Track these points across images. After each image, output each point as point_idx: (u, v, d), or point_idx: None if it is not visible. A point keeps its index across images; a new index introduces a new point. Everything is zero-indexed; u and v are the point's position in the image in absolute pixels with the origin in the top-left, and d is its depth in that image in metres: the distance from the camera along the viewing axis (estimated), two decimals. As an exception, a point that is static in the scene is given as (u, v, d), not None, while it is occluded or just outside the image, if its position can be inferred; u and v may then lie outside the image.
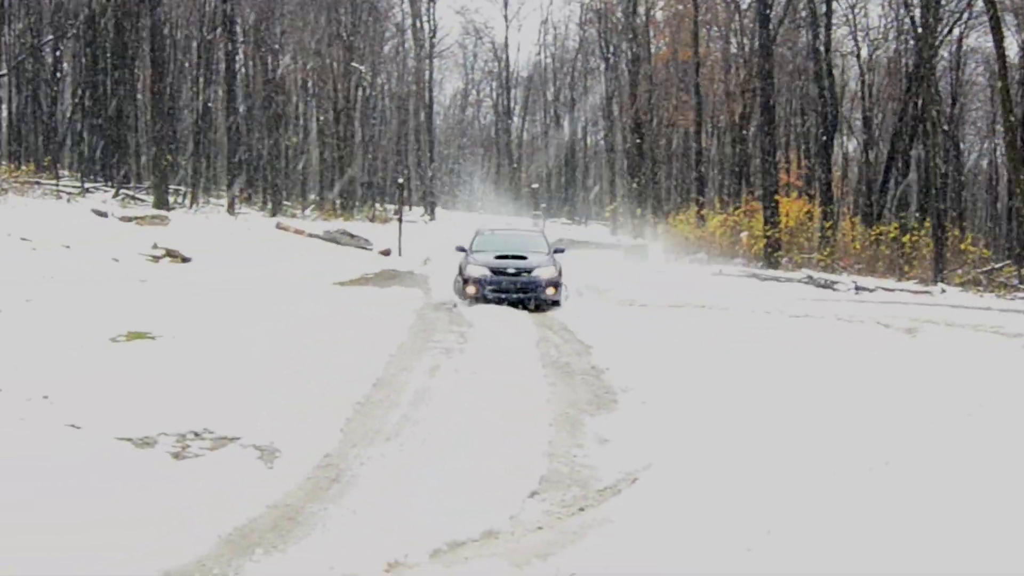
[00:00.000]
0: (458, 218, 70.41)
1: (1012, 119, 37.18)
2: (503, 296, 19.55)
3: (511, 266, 20.23)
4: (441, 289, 22.71)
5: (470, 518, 6.19)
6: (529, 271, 20.25)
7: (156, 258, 24.75)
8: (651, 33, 56.58)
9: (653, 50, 56.61)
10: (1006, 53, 38.74)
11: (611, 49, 62.95)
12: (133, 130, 51.42)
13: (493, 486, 6.94)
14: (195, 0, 52.45)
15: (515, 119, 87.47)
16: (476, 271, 20.00)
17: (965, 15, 45.97)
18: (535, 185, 58.28)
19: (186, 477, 6.96)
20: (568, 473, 7.55)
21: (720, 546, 5.65)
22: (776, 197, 40.88)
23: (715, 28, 51.72)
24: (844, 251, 40.06)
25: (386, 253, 36.31)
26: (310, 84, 61.42)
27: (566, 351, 13.81)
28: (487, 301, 19.35)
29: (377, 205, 61.71)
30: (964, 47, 52.98)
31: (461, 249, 22.14)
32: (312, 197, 60.07)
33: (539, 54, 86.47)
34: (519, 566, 5.39)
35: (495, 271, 19.99)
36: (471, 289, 19.76)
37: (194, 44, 54.08)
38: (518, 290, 19.84)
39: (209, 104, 53.00)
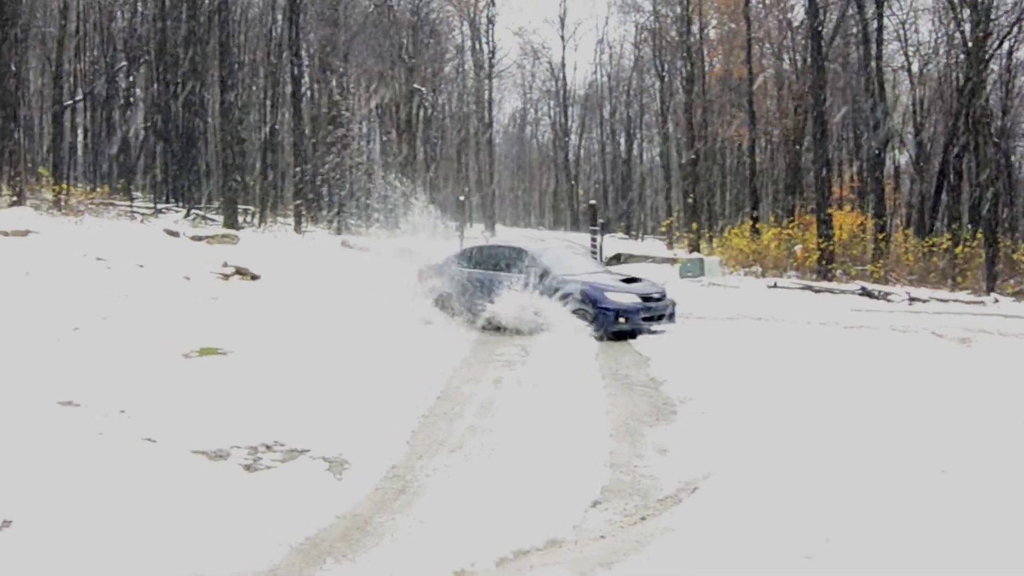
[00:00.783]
0: (518, 233, 70.60)
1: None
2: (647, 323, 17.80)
3: (652, 292, 18.57)
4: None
5: (534, 527, 6.21)
6: (663, 295, 18.80)
7: (226, 276, 24.88)
8: (704, 51, 56.44)
9: (707, 68, 56.49)
10: (1056, 66, 38.36)
11: (665, 67, 62.81)
12: (203, 152, 51.91)
13: (556, 496, 6.95)
14: (262, 25, 52.99)
15: (572, 136, 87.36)
16: (627, 299, 17.78)
17: (1015, 29, 45.56)
18: (592, 201, 58.08)
19: (258, 489, 7.03)
20: (629, 483, 7.55)
21: (780, 554, 5.64)
22: (829, 210, 40.60)
23: (767, 45, 51.50)
24: (897, 263, 39.72)
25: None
26: (374, 105, 61.69)
27: (625, 363, 13.78)
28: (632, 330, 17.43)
29: (439, 222, 61.77)
30: (1014, 60, 52.40)
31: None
32: (376, 216, 60.31)
33: (595, 73, 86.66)
34: (583, 574, 5.40)
35: (644, 298, 18.05)
36: (622, 321, 17.34)
37: (261, 69, 54.57)
38: (659, 317, 18.15)
39: (276, 126, 53.40)
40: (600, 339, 16.32)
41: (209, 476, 7.31)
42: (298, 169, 49.52)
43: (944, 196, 46.65)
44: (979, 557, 5.63)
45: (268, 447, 8.23)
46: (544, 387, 11.33)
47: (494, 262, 19.66)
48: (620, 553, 5.83)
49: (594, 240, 39.77)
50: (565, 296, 17.77)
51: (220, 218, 41.19)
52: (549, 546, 6.01)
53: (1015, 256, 40.16)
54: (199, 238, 31.23)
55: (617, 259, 42.22)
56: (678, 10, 54.48)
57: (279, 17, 51.49)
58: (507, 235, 61.43)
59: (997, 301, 32.13)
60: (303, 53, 52.35)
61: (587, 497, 7.01)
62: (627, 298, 17.72)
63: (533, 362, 13.49)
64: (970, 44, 42.86)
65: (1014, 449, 8.23)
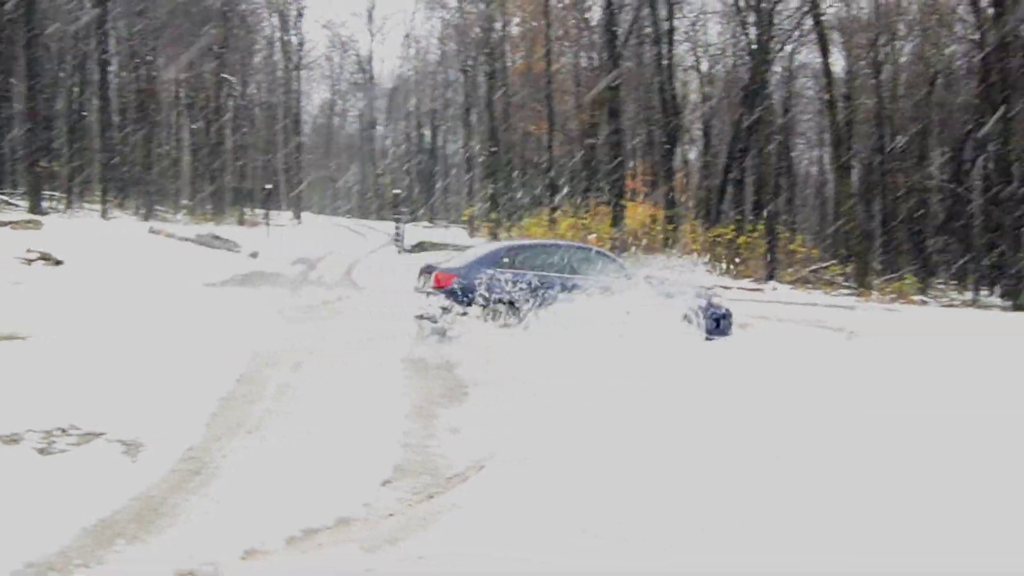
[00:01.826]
0: (323, 221, 70.08)
1: (836, 130, 38.18)
2: None
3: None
4: (309, 290, 22.54)
5: (325, 506, 6.17)
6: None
7: (30, 261, 24.09)
8: (507, 47, 56.83)
9: (509, 63, 56.86)
10: (832, 69, 39.77)
11: (470, 62, 63.03)
12: (6, 137, 50.06)
13: (349, 476, 6.92)
14: (70, 11, 51.35)
15: (379, 127, 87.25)
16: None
17: (796, 33, 47.00)
18: (397, 190, 58.05)
19: (51, 472, 6.82)
20: (420, 462, 7.56)
21: (559, 527, 5.74)
22: (622, 201, 41.41)
23: (567, 43, 52.08)
24: (685, 252, 40.59)
25: (254, 255, 35.96)
26: (182, 94, 60.38)
27: (422, 347, 13.82)
28: None
29: (247, 210, 61.03)
30: (795, 62, 54.10)
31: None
32: (184, 202, 59.07)
33: (402, 66, 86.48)
34: (370, 551, 5.40)
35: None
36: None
37: (68, 55, 52.82)
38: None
39: (84, 112, 51.79)
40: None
41: (0, 460, 7.08)
42: (106, 155, 48.19)
43: (729, 189, 47.87)
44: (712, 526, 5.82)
45: (63, 431, 7.98)
46: (344, 368, 11.31)
47: (556, 264, 16.75)
48: (408, 530, 5.84)
49: (398, 228, 39.78)
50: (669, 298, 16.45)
51: (25, 204, 39.82)
52: (339, 524, 5.99)
53: (792, 247, 41.59)
54: (2, 223, 30.17)
55: (421, 247, 42.25)
56: (483, 7, 54.70)
57: (87, 3, 49.88)
58: (315, 224, 60.96)
59: (776, 288, 33.24)
60: (112, 39, 50.94)
61: (379, 476, 7.00)
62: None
63: (335, 335, 13.46)
64: (754, 46, 44.15)
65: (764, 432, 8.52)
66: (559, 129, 52.96)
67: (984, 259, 41.55)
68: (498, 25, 54.75)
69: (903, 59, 47.66)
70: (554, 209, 46.36)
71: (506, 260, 16.26)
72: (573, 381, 10.34)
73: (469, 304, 15.29)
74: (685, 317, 16.33)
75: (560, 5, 50.73)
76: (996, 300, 38.21)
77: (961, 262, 44.75)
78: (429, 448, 8.02)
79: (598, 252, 18.14)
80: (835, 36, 46.13)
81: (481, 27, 56.21)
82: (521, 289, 15.63)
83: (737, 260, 38.96)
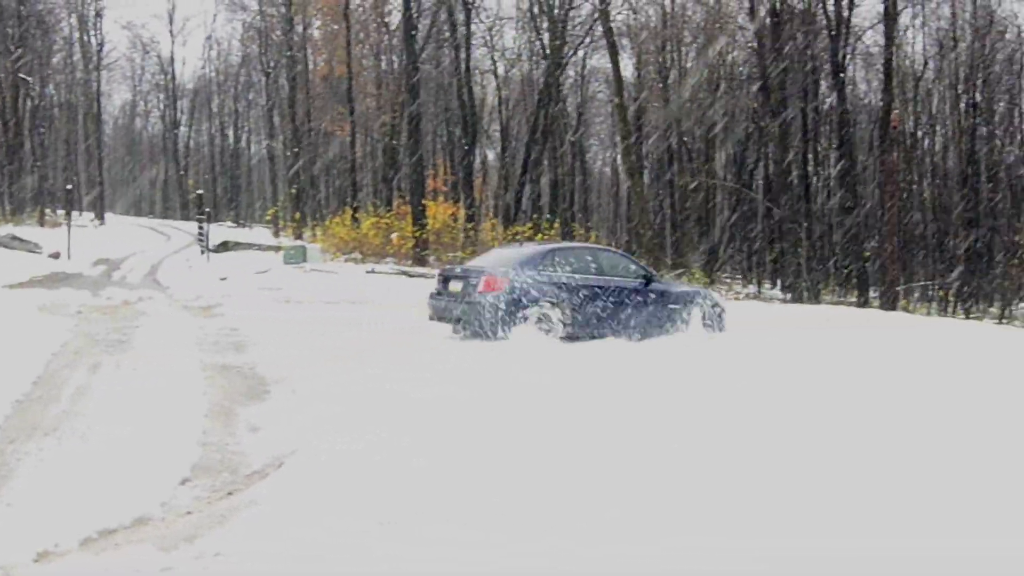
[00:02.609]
0: (129, 222, 68.31)
1: (627, 132, 38.98)
2: None
3: None
4: (111, 290, 21.99)
5: (122, 507, 6.03)
6: None
7: None
8: (309, 50, 56.32)
9: (311, 66, 56.38)
10: (622, 74, 40.54)
11: (271, 64, 62.31)
12: None
13: (147, 475, 6.78)
14: None
15: (182, 128, 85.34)
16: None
17: (588, 39, 47.85)
18: (200, 191, 56.87)
19: None
20: (219, 460, 7.45)
21: (355, 520, 5.74)
22: (424, 201, 41.47)
23: (367, 46, 51.88)
24: (486, 249, 40.91)
25: (55, 256, 34.91)
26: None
27: (224, 345, 13.63)
28: None
29: (48, 211, 59.05)
30: (588, 67, 55.21)
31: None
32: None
33: (204, 68, 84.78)
34: (166, 549, 5.31)
35: None
36: None
37: None
38: None
39: None
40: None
41: None
42: None
43: (527, 189, 48.35)
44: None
45: None
46: (144, 370, 11.07)
47: (594, 266, 16.45)
48: (205, 527, 5.77)
49: (201, 228, 39.04)
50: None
51: None
52: (136, 524, 5.87)
53: (592, 241, 42.31)
54: None
55: (225, 246, 41.59)
56: (283, 10, 54.12)
57: None
58: (118, 225, 59.37)
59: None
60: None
61: (177, 475, 6.89)
62: None
63: (136, 337, 13.15)
64: (548, 51, 44.71)
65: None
66: (361, 130, 52.79)
67: (766, 254, 43.03)
68: (299, 28, 54.24)
69: (689, 64, 48.93)
70: (356, 208, 46.16)
71: (549, 263, 15.82)
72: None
73: (525, 308, 14.88)
74: (705, 316, 17.35)
75: (360, 9, 50.50)
76: (778, 293, 39.66)
77: (745, 257, 46.25)
78: (228, 446, 7.92)
79: (621, 254, 18.64)
80: (625, 42, 47.14)
81: (282, 30, 55.60)
82: (569, 292, 15.45)
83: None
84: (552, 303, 15.15)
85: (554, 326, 15.16)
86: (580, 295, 15.54)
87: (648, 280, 16.90)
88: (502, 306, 14.65)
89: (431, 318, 16.03)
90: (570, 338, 15.15)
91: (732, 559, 5.19)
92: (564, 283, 15.46)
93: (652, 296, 16.70)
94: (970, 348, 16.20)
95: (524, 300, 14.86)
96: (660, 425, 8.40)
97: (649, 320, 16.48)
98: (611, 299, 15.98)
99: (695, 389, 10.28)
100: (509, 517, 5.82)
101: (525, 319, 14.82)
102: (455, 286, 15.58)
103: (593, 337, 15.37)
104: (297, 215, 50.35)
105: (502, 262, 15.92)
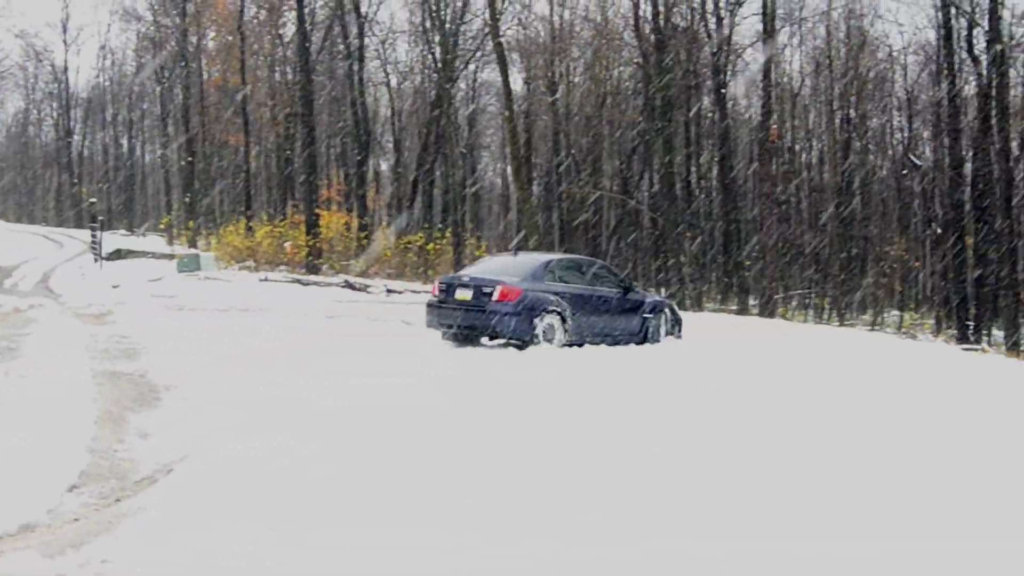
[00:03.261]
0: (21, 229, 66.69)
1: (516, 143, 39.11)
2: None
3: None
4: (2, 296, 21.48)
5: (8, 514, 5.88)
6: None
7: None
8: (203, 61, 55.55)
9: (205, 76, 55.61)
10: (512, 87, 40.66)
11: (166, 74, 61.35)
12: None
13: (34, 483, 6.61)
14: None
15: (76, 137, 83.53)
16: None
17: (478, 53, 48.01)
18: (93, 199, 55.86)
19: None
20: (108, 467, 7.30)
21: (242, 526, 5.66)
22: (317, 210, 41.22)
23: (262, 58, 51.34)
24: (377, 259, 40.83)
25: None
26: None
27: (115, 352, 13.37)
28: None
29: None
30: (479, 80, 55.32)
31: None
32: None
33: (98, 77, 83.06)
34: (52, 556, 5.18)
35: None
36: None
37: None
38: None
39: None
40: None
41: None
42: None
43: (419, 199, 48.33)
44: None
45: None
46: (32, 376, 10.79)
47: (585, 278, 16.95)
48: (92, 534, 5.64)
49: (94, 236, 38.30)
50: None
51: None
52: (22, 531, 5.72)
53: (479, 252, 42.40)
54: None
55: (119, 254, 40.85)
56: (177, 20, 53.28)
57: None
58: (10, 232, 57.97)
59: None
60: None
61: (65, 482, 6.73)
62: None
63: (29, 342, 12.83)
64: (440, 65, 44.71)
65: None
66: (256, 140, 52.27)
67: (652, 263, 43.47)
68: (193, 39, 53.46)
69: (576, 79, 49.25)
70: (250, 217, 45.68)
71: (550, 274, 16.07)
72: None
73: (537, 317, 15.07)
74: (669, 324, 17.97)
75: (255, 21, 49.97)
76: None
77: (631, 266, 46.64)
78: (118, 453, 7.77)
79: (603, 264, 18.89)
80: (515, 57, 47.26)
81: (176, 40, 54.76)
82: (568, 302, 15.67)
83: (426, 266, 39.44)
84: (557, 312, 15.43)
85: (556, 334, 15.41)
86: (575, 304, 15.88)
87: (627, 290, 17.35)
88: (523, 314, 14.98)
89: (430, 326, 16.13)
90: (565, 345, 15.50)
91: (709, 562, 5.23)
92: (563, 293, 15.76)
93: (629, 305, 17.16)
94: (856, 351, 17.43)
95: (536, 309, 15.12)
96: (653, 427, 8.56)
97: (629, 328, 17.02)
98: (600, 308, 16.53)
99: (678, 395, 10.59)
100: (420, 524, 5.80)
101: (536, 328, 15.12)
102: (463, 294, 15.51)
103: (580, 344, 15.58)
104: (191, 224, 49.58)
105: (507, 272, 16.00)
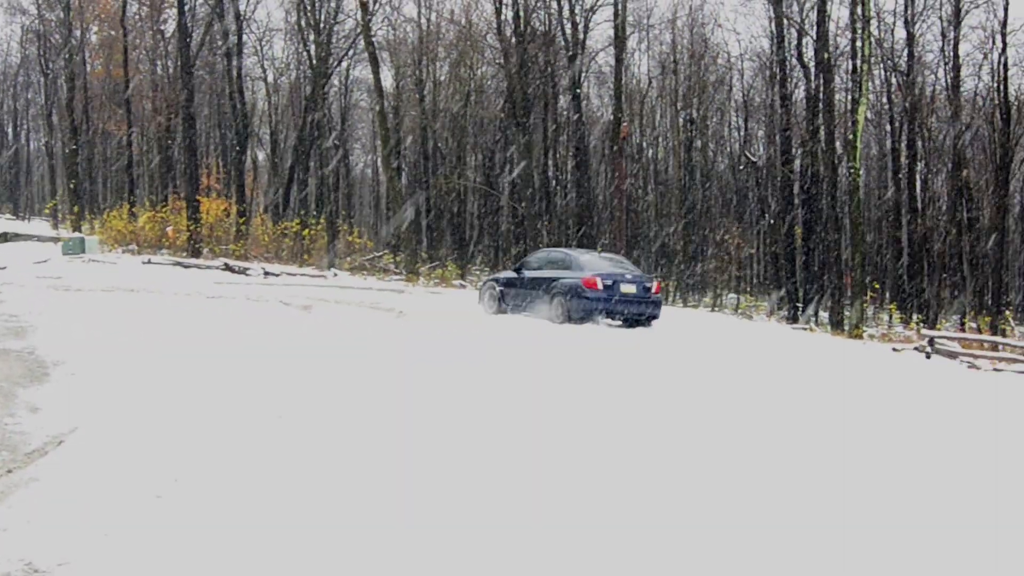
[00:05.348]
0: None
1: (386, 137, 38.88)
2: None
3: None
4: None
5: None
6: None
7: None
8: (87, 53, 54.02)
9: (89, 68, 54.09)
10: (382, 84, 40.42)
11: (50, 66, 59.40)
12: None
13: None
14: None
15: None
16: None
17: (351, 51, 47.68)
18: (-24, 185, 53.88)
19: None
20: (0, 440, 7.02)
21: (133, 494, 5.48)
22: (198, 197, 40.43)
23: (143, 51, 50.05)
24: (256, 243, 40.34)
25: None
26: None
27: (2, 331, 12.85)
28: None
29: None
30: (351, 77, 54.85)
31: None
32: None
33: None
34: (-57, 529, 4.94)
35: None
36: None
37: None
38: None
39: None
40: None
41: None
42: None
43: (295, 188, 47.83)
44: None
45: None
46: None
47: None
48: (-16, 505, 5.40)
49: (-23, 221, 37.00)
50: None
51: None
52: (-87, 503, 5.45)
53: (350, 239, 42.14)
54: None
55: (4, 237, 39.54)
56: (61, 14, 51.65)
57: None
58: None
59: (336, 275, 33.45)
60: None
61: (-45, 456, 6.43)
62: None
63: None
64: (315, 62, 44.18)
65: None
66: (138, 130, 51.02)
67: (512, 250, 43.64)
68: (77, 32, 51.87)
69: (443, 77, 49.13)
70: (133, 204, 44.59)
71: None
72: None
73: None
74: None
75: (136, 16, 48.69)
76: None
77: (493, 252, 46.76)
78: (8, 426, 7.43)
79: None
80: (385, 55, 46.98)
81: (60, 34, 53.05)
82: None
83: (302, 250, 39.01)
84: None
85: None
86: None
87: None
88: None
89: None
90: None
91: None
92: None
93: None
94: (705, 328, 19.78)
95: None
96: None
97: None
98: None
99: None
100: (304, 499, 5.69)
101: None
102: (628, 288, 17.79)
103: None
104: (76, 208, 48.12)
105: (627, 268, 19.22)
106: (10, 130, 79.09)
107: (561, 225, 44.82)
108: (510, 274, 19.94)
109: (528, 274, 19.06)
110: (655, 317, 18.14)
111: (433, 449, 6.94)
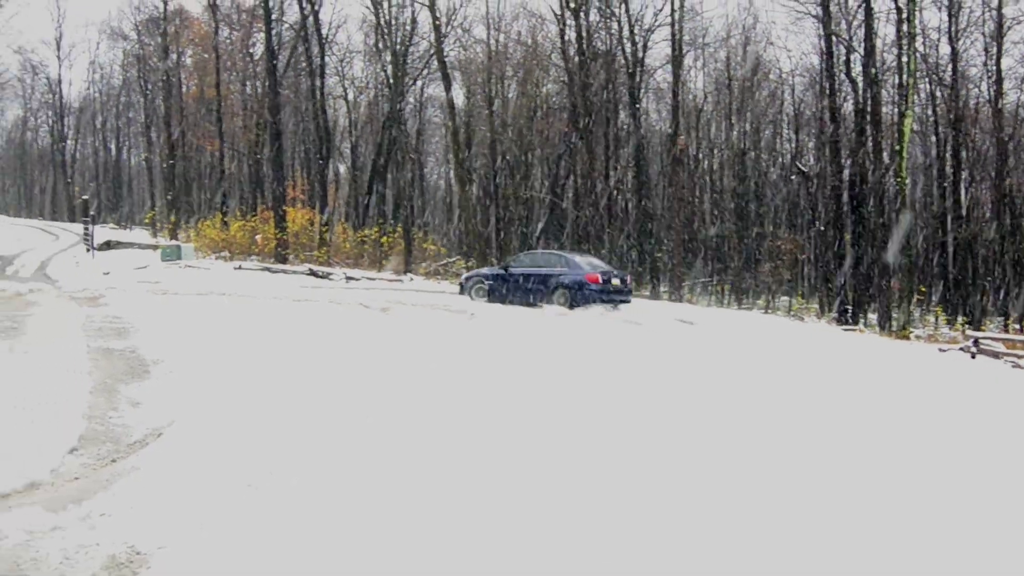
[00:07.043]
0: (21, 223, 65.35)
1: (458, 150, 39.00)
2: None
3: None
4: (3, 283, 20.99)
5: (14, 473, 5.72)
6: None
7: None
8: (182, 75, 54.97)
9: (184, 88, 55.01)
10: (454, 101, 40.58)
11: (149, 87, 60.44)
12: None
13: (38, 446, 6.44)
14: None
15: (68, 142, 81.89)
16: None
17: (425, 71, 47.97)
18: (85, 196, 54.80)
19: None
20: (103, 431, 7.12)
21: (227, 483, 5.56)
22: (284, 207, 40.83)
23: (234, 73, 50.75)
24: (337, 250, 40.68)
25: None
26: None
27: (108, 331, 13.08)
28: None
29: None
30: (425, 95, 55.14)
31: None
32: None
33: (89, 88, 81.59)
34: (55, 511, 5.04)
35: None
36: None
37: None
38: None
39: None
40: None
41: None
42: None
43: (374, 198, 48.13)
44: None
45: None
46: (34, 353, 10.51)
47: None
48: (91, 492, 5.50)
49: (86, 229, 37.69)
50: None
51: None
52: (28, 488, 5.57)
53: (425, 245, 42.33)
54: None
55: (108, 245, 40.25)
56: (159, 40, 52.61)
57: None
58: (10, 226, 56.94)
59: (412, 279, 33.58)
60: None
61: (65, 445, 6.56)
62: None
63: (30, 323, 12.52)
64: (392, 81, 44.43)
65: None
66: (229, 145, 51.74)
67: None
68: (173, 56, 52.75)
69: (510, 95, 49.17)
70: (225, 213, 45.20)
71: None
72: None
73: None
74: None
75: (228, 40, 49.37)
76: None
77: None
78: (112, 419, 7.58)
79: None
80: (456, 75, 47.17)
81: (158, 57, 53.99)
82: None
83: (380, 256, 39.29)
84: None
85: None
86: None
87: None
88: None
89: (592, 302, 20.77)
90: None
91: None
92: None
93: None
94: (762, 329, 20.26)
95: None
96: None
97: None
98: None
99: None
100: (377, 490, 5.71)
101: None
102: (616, 282, 21.46)
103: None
104: (173, 218, 48.89)
105: (584, 265, 21.66)
106: (113, 146, 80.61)
107: (623, 233, 44.64)
108: (497, 270, 22.83)
109: (518, 270, 22.07)
110: (627, 302, 21.76)
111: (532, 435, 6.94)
